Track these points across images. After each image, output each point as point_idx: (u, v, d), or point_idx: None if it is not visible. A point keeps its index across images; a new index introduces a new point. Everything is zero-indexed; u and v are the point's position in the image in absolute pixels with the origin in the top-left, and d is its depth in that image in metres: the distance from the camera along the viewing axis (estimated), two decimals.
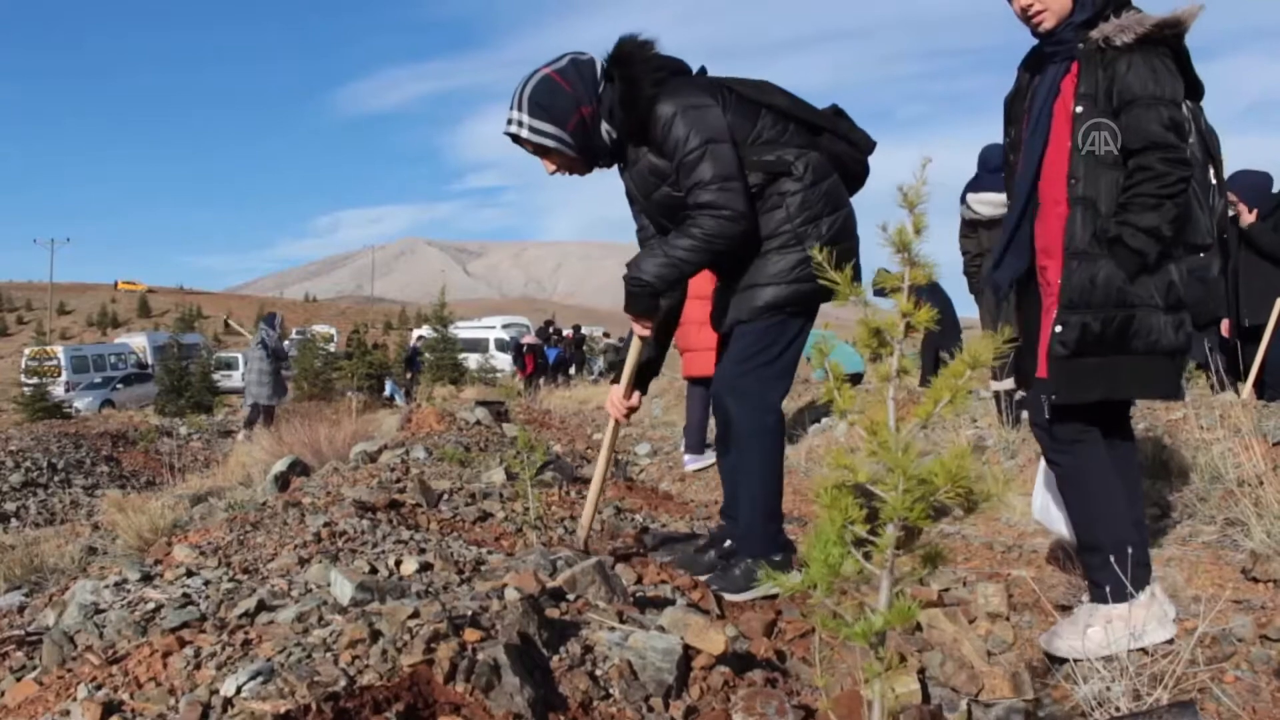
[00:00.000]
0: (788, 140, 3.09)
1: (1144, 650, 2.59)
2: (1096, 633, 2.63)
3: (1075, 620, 2.75)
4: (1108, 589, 2.65)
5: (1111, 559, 2.63)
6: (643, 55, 3.03)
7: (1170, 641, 2.65)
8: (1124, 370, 2.64)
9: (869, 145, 3.23)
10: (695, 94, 3.02)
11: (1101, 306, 2.63)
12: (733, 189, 2.94)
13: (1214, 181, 2.72)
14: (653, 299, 3.09)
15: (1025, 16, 2.75)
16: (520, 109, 3.02)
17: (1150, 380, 2.68)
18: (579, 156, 3.12)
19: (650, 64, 3.02)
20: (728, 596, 3.07)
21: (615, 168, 3.26)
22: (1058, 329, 2.68)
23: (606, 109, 3.07)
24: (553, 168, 3.14)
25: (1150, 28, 2.53)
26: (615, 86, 3.04)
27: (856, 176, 3.24)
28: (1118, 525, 2.74)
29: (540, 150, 3.09)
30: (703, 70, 3.23)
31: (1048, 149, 2.74)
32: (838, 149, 3.14)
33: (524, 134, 3.03)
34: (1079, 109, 2.65)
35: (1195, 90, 2.69)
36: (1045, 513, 3.25)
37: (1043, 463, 3.16)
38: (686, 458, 7.35)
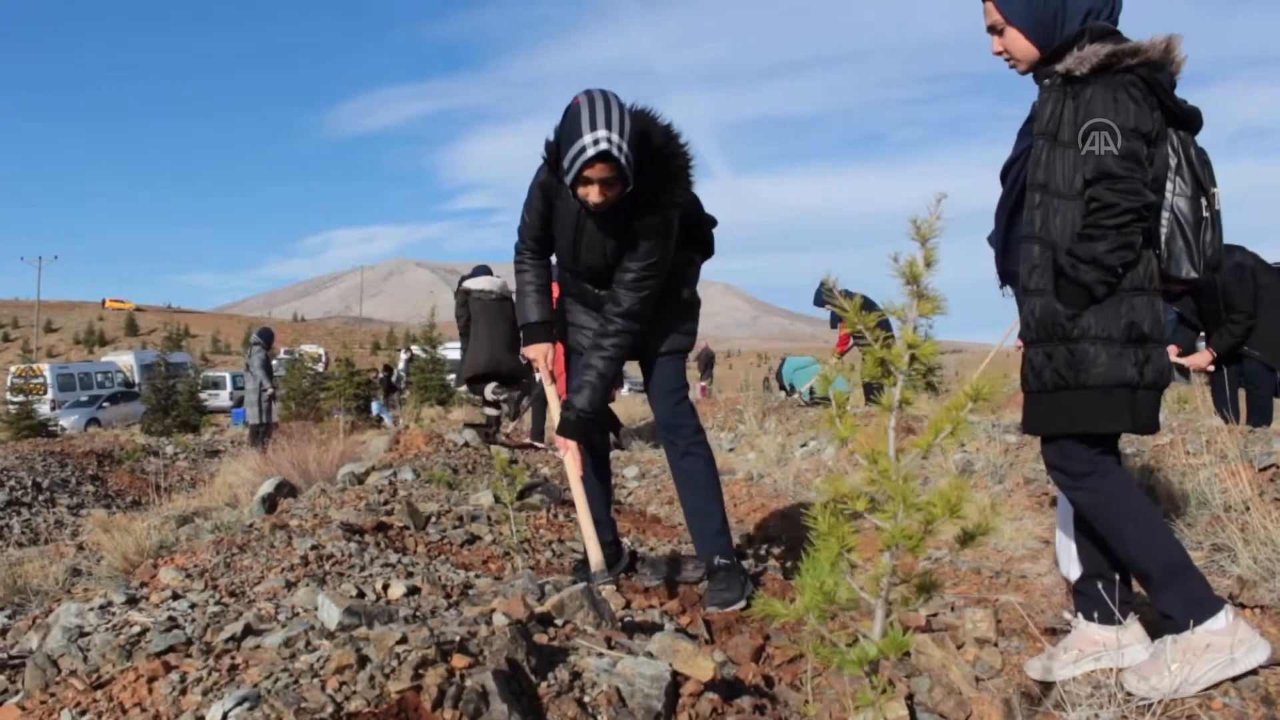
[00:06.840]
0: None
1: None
2: (1180, 668, 2.50)
3: (1156, 656, 2.61)
4: (1183, 616, 2.53)
5: (1171, 584, 2.54)
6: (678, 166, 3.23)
7: (1264, 666, 2.53)
8: (1079, 403, 2.61)
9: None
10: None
11: (1044, 341, 2.64)
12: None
13: (1206, 215, 2.63)
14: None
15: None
16: (623, 136, 3.03)
17: (1110, 414, 2.60)
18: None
19: (683, 186, 3.24)
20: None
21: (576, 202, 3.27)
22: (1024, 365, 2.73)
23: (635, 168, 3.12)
24: (607, 196, 3.13)
25: (1104, 57, 2.53)
26: (652, 166, 3.16)
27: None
28: (1161, 547, 2.60)
29: (618, 178, 3.09)
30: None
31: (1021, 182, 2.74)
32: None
33: (621, 158, 3.03)
34: (1034, 149, 2.65)
35: (1185, 121, 2.64)
36: (1063, 559, 3.15)
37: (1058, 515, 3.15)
38: None
